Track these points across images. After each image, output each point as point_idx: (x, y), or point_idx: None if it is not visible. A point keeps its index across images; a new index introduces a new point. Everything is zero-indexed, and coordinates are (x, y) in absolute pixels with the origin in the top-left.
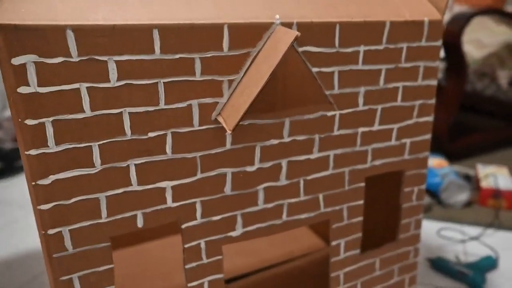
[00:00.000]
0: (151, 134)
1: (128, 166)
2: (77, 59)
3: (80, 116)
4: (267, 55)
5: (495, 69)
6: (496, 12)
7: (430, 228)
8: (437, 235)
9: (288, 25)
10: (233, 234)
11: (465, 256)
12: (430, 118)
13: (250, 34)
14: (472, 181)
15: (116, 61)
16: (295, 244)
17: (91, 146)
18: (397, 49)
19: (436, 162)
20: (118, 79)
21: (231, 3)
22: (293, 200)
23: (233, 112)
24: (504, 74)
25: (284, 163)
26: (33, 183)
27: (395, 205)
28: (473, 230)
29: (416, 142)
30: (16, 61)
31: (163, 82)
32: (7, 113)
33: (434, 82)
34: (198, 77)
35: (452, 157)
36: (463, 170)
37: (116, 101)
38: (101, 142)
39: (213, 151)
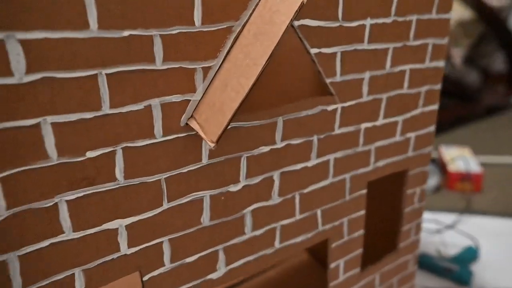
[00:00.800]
0: (90, 154)
1: (56, 205)
2: None
3: None
4: (258, 32)
5: (449, 47)
6: None
7: None
8: None
9: None
10: (213, 276)
11: (444, 248)
12: (435, 107)
13: (231, 1)
14: (438, 164)
15: (21, 41)
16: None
17: None
18: (406, 22)
19: None
20: (29, 71)
21: None
22: (287, 221)
23: (214, 114)
24: (457, 52)
25: (276, 175)
26: None
27: (396, 210)
28: (446, 218)
29: (421, 135)
30: None
31: (106, 74)
32: None
33: (442, 64)
34: (159, 65)
35: None
36: None
37: (28, 106)
38: (6, 174)
39: (184, 170)
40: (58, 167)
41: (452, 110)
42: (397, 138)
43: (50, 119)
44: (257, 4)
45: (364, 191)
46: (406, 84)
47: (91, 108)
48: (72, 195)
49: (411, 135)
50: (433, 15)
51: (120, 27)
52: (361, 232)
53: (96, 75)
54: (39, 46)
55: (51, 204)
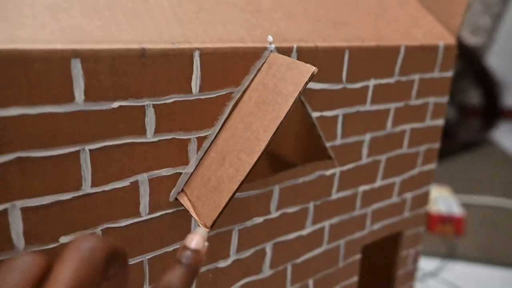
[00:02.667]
0: (64, 239)
1: None
2: None
3: None
4: (260, 100)
5: None
6: None
7: None
8: None
9: (286, 51)
10: None
11: None
12: (433, 166)
13: (232, 66)
14: None
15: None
16: None
17: None
18: (409, 81)
19: None
20: (2, 152)
21: (203, 18)
22: None
23: (208, 193)
24: None
25: (268, 247)
26: None
27: (389, 274)
28: (428, 264)
29: (418, 195)
30: None
31: (89, 150)
32: None
33: (441, 122)
34: (150, 138)
35: None
36: None
37: None
38: None
39: (170, 248)
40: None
41: None
42: (394, 199)
43: (20, 204)
44: (259, 69)
45: (358, 256)
46: (406, 143)
47: (69, 188)
48: None
49: (408, 195)
50: (435, 74)
51: (109, 98)
52: None
53: (78, 151)
54: (15, 124)
55: None
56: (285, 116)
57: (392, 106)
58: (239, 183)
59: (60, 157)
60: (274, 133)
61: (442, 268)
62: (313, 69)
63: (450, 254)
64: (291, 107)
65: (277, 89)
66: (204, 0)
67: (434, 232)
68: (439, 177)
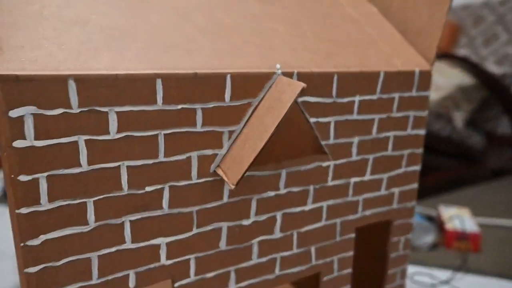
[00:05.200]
0: (148, 188)
1: (123, 223)
2: (78, 111)
3: (76, 170)
4: (269, 106)
5: (450, 111)
6: (449, 57)
7: None
8: (409, 279)
9: (289, 74)
10: None
11: None
12: (417, 167)
13: (251, 84)
14: (435, 222)
15: (117, 112)
16: None
17: (85, 202)
18: (390, 99)
19: None
20: (118, 131)
21: (231, 52)
22: (286, 253)
23: (234, 165)
24: (459, 116)
25: (279, 215)
26: (22, 244)
27: (382, 255)
28: (442, 274)
29: (404, 191)
30: (14, 113)
31: (164, 134)
32: None
33: (422, 132)
34: (199, 128)
35: None
36: (425, 211)
37: (114, 154)
38: (96, 198)
39: (209, 205)
40: (127, 196)
41: (454, 170)
42: (382, 192)
43: (127, 163)
44: (270, 87)
45: (353, 235)
46: (390, 147)
47: (152, 157)
48: (133, 217)
49: (395, 190)
50: (413, 93)
51: (176, 102)
52: (349, 270)
53: (157, 134)
54: (126, 115)
55: (120, 222)
56: (284, 115)
57: (376, 117)
58: (253, 158)
59: (148, 137)
60: (276, 127)
61: (454, 278)
62: (302, 85)
63: (463, 266)
64: (288, 109)
65: (279, 99)
66: (234, 41)
67: (451, 248)
68: (461, 200)
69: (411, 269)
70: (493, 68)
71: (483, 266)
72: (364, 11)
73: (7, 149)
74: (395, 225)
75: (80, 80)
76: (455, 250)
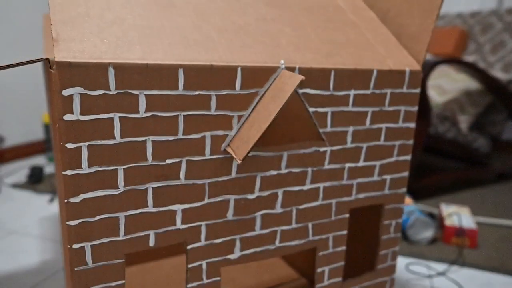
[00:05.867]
0: (168, 161)
1: (146, 189)
2: (114, 92)
3: (111, 142)
4: (273, 95)
5: (455, 114)
6: (456, 62)
7: (398, 263)
8: (406, 269)
9: (292, 69)
10: (231, 257)
11: None
12: (408, 157)
13: (258, 76)
14: (436, 219)
15: (146, 95)
16: (268, 274)
17: (117, 169)
18: (382, 94)
19: None
20: (146, 111)
21: (244, 50)
22: (286, 227)
23: (242, 144)
24: (464, 119)
25: (280, 192)
26: (66, 201)
27: (374, 237)
28: (438, 266)
29: (395, 178)
30: (66, 92)
31: (183, 115)
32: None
33: (412, 125)
34: (212, 112)
35: (416, 195)
36: (427, 209)
37: (142, 130)
38: (125, 166)
39: (220, 179)
40: (151, 166)
41: (458, 172)
42: (375, 178)
43: (152, 138)
44: (275, 79)
45: (347, 215)
46: (382, 137)
47: (172, 134)
48: (155, 184)
49: (387, 177)
50: (404, 90)
51: (193, 89)
52: (343, 247)
53: (178, 115)
54: (153, 98)
55: (144, 188)
56: (285, 102)
57: (370, 109)
58: (258, 137)
59: (170, 117)
60: (278, 112)
61: (450, 270)
62: (301, 77)
63: (460, 260)
64: (288, 98)
65: (282, 89)
66: (246, 40)
67: (449, 243)
68: (463, 200)
69: (409, 260)
70: (499, 74)
71: (478, 260)
72: (364, 16)
73: (59, 121)
74: (387, 209)
75: (118, 67)
76: (452, 245)
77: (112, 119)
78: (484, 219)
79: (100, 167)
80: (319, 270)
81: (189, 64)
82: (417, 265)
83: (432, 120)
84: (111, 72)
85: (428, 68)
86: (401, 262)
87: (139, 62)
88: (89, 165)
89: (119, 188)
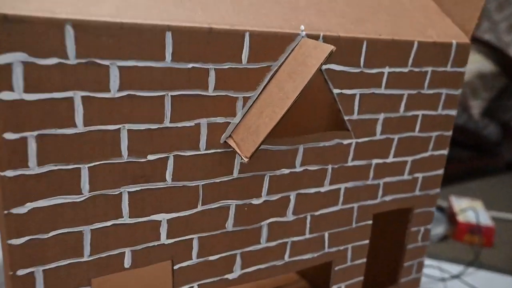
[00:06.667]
0: (150, 157)
1: (120, 194)
2: (75, 62)
3: (70, 131)
4: (291, 71)
5: (467, 98)
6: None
7: None
8: None
9: (314, 37)
10: (230, 276)
11: None
12: (445, 152)
13: (272, 46)
14: (446, 213)
15: (119, 67)
16: None
17: (79, 168)
18: (422, 73)
19: None
20: (120, 89)
21: (253, 10)
22: (297, 238)
23: (249, 136)
24: (476, 104)
25: (292, 196)
26: (6, 212)
27: (399, 245)
28: (452, 268)
29: (429, 177)
30: (1, 59)
31: (171, 96)
32: None
33: (453, 112)
34: (210, 92)
35: None
36: None
37: (114, 115)
38: (91, 164)
39: (217, 180)
40: (126, 164)
41: (468, 161)
42: (405, 176)
43: (128, 126)
44: (293, 49)
45: (370, 222)
46: (417, 127)
47: (156, 121)
48: (132, 188)
49: (419, 175)
50: (448, 68)
51: (186, 60)
52: (363, 260)
53: (164, 95)
54: (130, 71)
55: (117, 192)
56: (308, 81)
57: (405, 92)
58: (272, 127)
59: (154, 98)
60: (299, 93)
61: (465, 273)
62: (331, 48)
63: (476, 262)
64: (313, 74)
65: (304, 63)
66: None
67: (461, 241)
68: (474, 192)
69: None
70: None
71: (496, 261)
72: None
73: None
74: (416, 214)
75: (79, 26)
76: (465, 243)
77: (72, 99)
78: (499, 213)
79: (56, 165)
80: (334, 287)
81: (180, 25)
82: (428, 268)
83: None
84: (70, 33)
85: None
86: None
87: (111, 20)
88: (39, 163)
89: (82, 194)
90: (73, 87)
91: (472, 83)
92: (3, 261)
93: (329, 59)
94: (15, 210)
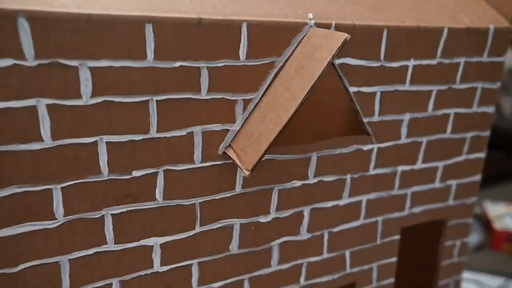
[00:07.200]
0: (136, 173)
1: (102, 217)
2: (34, 63)
3: (35, 146)
4: (299, 67)
5: (499, 95)
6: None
7: None
8: None
9: (325, 26)
10: None
11: None
12: (482, 155)
13: (275, 38)
14: (480, 220)
15: (91, 68)
16: None
17: (51, 189)
18: (453, 64)
19: None
20: (94, 95)
21: None
22: (314, 258)
23: (251, 144)
24: (508, 101)
25: (306, 211)
26: None
27: (432, 262)
28: (491, 281)
29: (464, 184)
30: None
31: (156, 101)
32: None
33: (491, 109)
34: (203, 95)
35: None
36: None
37: (89, 126)
38: (65, 184)
39: (217, 196)
40: (108, 183)
41: (499, 163)
42: (437, 184)
43: (106, 138)
44: (300, 42)
45: (397, 237)
46: (449, 128)
47: (140, 131)
48: (116, 210)
49: (453, 182)
50: (484, 58)
51: (172, 58)
52: (391, 280)
53: (148, 101)
54: (104, 73)
55: (99, 216)
56: (318, 77)
57: (434, 88)
58: (276, 133)
59: (134, 104)
60: (308, 91)
61: (507, 286)
62: (345, 35)
63: None
64: (324, 69)
65: (314, 56)
66: None
67: (499, 250)
68: (508, 196)
69: None
70: None
71: None
72: None
73: None
74: (450, 226)
75: (36, 18)
76: (503, 253)
77: (34, 108)
78: None
79: (20, 187)
80: None
81: (163, 16)
82: (465, 282)
83: None
84: (25, 27)
85: None
86: None
87: (77, 11)
88: (2, 185)
89: (56, 219)
90: (35, 93)
91: (503, 79)
92: None
93: (343, 51)
94: None
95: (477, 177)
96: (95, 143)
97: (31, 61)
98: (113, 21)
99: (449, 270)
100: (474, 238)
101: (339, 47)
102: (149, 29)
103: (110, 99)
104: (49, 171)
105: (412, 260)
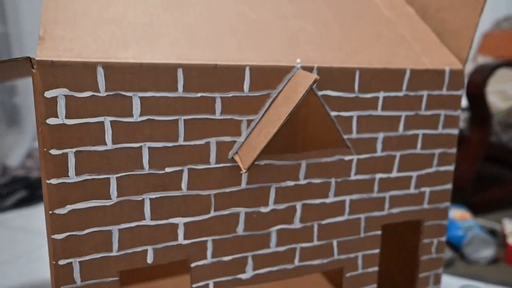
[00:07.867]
0: (168, 170)
1: (143, 200)
2: (104, 94)
3: (101, 148)
4: (286, 97)
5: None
6: None
7: (452, 285)
8: None
9: (309, 69)
10: (243, 276)
11: None
12: (451, 168)
13: (270, 76)
14: (498, 236)
15: (140, 97)
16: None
17: (109, 178)
18: (417, 96)
19: (458, 214)
20: (141, 114)
21: (254, 46)
22: (306, 244)
23: (249, 151)
24: None
25: (298, 205)
26: (50, 212)
27: (413, 257)
28: None
29: (436, 191)
30: (49, 94)
31: (184, 119)
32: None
33: (455, 131)
34: (218, 116)
35: (476, 209)
36: (488, 224)
37: (137, 135)
38: (119, 175)
39: (227, 190)
40: (148, 175)
41: None
42: (412, 190)
43: (148, 144)
44: (289, 79)
45: (379, 232)
46: (419, 145)
47: (172, 140)
48: (153, 195)
49: (426, 189)
50: (444, 92)
51: (196, 90)
52: (375, 268)
53: (178, 119)
54: (149, 100)
55: (140, 199)
56: (296, 105)
57: (403, 114)
58: (265, 144)
59: (169, 121)
60: (288, 115)
61: None
62: (315, 76)
63: None
64: (300, 99)
65: (296, 90)
66: (260, 38)
67: None
68: None
69: (464, 281)
70: None
71: None
72: (400, 12)
73: (42, 125)
74: (427, 226)
75: (108, 67)
76: None
77: (102, 123)
78: None
79: (90, 175)
80: None
81: (189, 63)
82: None
83: (493, 128)
84: (100, 72)
85: (487, 71)
86: (455, 283)
87: (132, 61)
88: (77, 173)
89: (111, 199)
90: (103, 113)
91: None
92: (48, 253)
93: (322, 86)
94: (57, 211)
95: (448, 186)
96: (140, 147)
97: (102, 93)
98: (156, 67)
99: (428, 264)
100: (488, 252)
101: (311, 84)
102: (180, 72)
103: (152, 117)
104: (109, 165)
105: (397, 254)
